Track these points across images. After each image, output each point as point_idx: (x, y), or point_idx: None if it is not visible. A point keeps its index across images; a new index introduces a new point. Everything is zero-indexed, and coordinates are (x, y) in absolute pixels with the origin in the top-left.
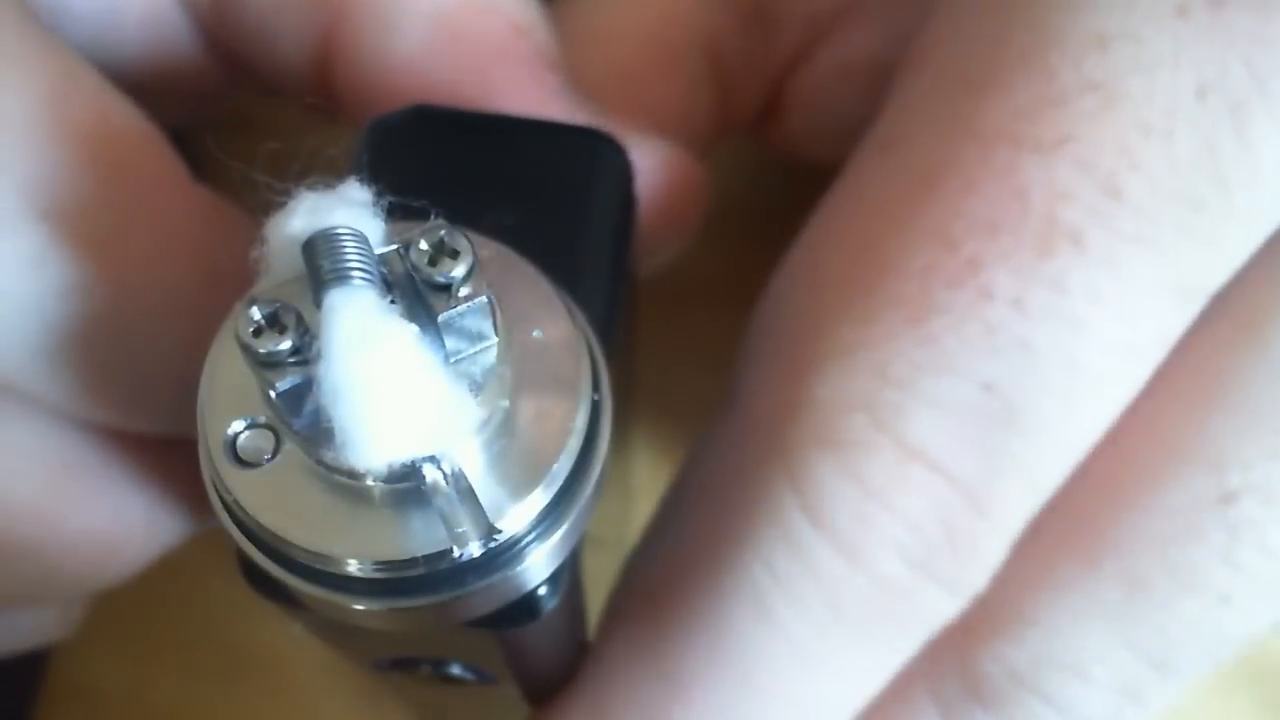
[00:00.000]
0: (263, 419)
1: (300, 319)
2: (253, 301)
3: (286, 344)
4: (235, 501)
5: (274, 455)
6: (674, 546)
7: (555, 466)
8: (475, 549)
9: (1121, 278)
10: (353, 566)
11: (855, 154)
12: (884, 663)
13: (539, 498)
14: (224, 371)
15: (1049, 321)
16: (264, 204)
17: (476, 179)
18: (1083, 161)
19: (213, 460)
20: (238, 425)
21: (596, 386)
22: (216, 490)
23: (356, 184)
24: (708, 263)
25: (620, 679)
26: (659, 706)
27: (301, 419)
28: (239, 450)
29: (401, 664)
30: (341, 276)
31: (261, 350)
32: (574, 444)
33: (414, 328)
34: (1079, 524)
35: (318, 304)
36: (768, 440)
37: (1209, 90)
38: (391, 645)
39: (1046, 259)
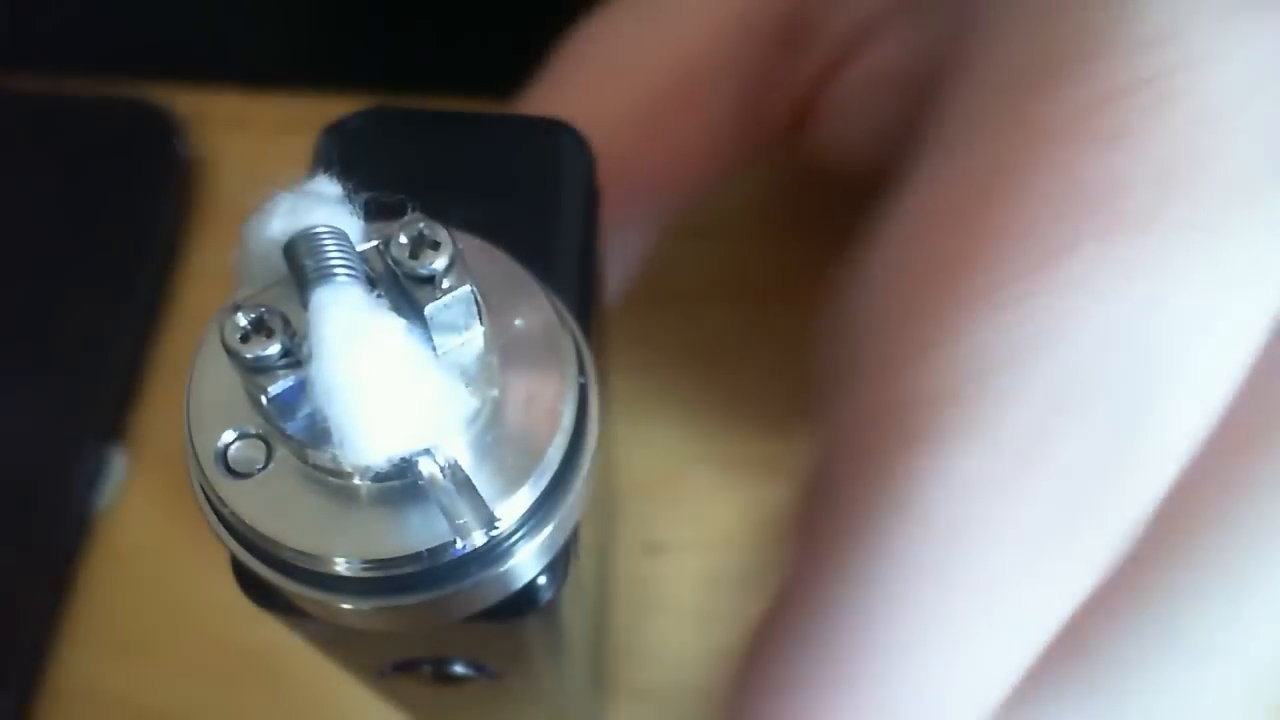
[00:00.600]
0: (253, 429)
1: (287, 322)
2: (236, 308)
3: (275, 348)
4: (233, 513)
5: (266, 464)
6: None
7: (549, 452)
8: (478, 539)
9: (1197, 263)
10: (356, 568)
11: (907, 167)
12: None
13: (535, 484)
14: (208, 383)
15: (1129, 304)
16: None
17: (440, 176)
18: (1144, 153)
19: (204, 472)
20: (228, 436)
21: (582, 370)
22: (210, 502)
23: (328, 182)
24: (708, 263)
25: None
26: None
27: (294, 423)
28: (230, 461)
29: (403, 667)
30: (326, 274)
31: (250, 356)
32: (565, 428)
33: (402, 321)
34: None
35: (304, 304)
36: (861, 449)
37: (1258, 91)
38: (392, 648)
39: (1119, 246)
